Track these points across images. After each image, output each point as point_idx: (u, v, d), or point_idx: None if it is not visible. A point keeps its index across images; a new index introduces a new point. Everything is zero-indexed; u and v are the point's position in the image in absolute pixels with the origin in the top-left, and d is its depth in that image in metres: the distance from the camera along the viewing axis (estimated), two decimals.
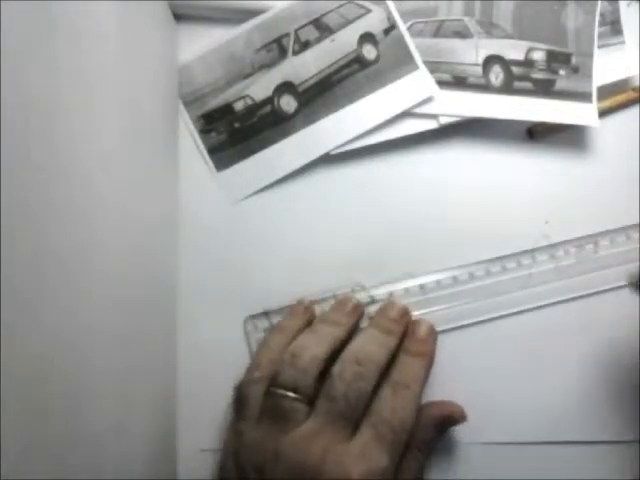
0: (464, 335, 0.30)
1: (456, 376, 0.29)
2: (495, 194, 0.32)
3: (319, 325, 0.28)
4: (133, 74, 0.27)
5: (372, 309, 0.30)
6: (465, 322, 0.30)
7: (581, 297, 0.30)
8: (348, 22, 0.33)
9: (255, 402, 0.26)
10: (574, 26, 0.32)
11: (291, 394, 0.25)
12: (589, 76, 0.31)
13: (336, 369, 0.25)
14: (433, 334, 0.28)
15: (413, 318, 0.29)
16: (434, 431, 0.26)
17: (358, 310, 0.29)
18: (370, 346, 0.26)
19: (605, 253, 0.30)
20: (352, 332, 0.29)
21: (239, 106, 0.33)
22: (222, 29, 0.33)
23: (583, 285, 0.30)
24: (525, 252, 0.31)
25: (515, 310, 0.30)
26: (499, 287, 0.30)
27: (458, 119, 0.32)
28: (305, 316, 0.30)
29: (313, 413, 0.25)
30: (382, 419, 0.24)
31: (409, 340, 0.28)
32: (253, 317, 0.31)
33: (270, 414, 0.25)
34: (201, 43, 0.33)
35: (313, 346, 0.26)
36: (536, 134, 0.32)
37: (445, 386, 0.29)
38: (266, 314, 0.31)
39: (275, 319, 0.30)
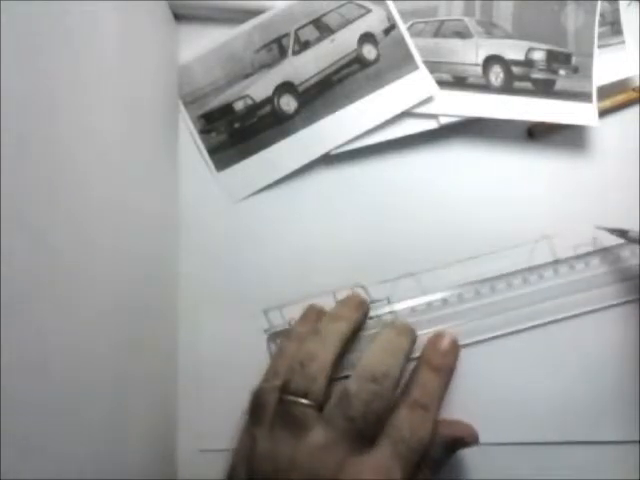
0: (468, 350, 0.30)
1: (456, 376, 0.29)
2: (495, 194, 0.32)
3: (324, 323, 0.28)
4: (133, 74, 0.27)
5: (372, 310, 0.30)
6: (468, 340, 0.30)
7: (589, 312, 0.30)
8: (348, 22, 0.33)
9: (271, 409, 0.26)
10: (574, 26, 0.32)
11: (302, 400, 0.25)
12: (589, 76, 0.31)
13: (352, 387, 0.25)
14: (456, 347, 0.28)
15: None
16: (444, 451, 0.26)
17: (364, 306, 0.30)
18: (384, 357, 0.26)
19: (610, 268, 0.30)
20: (358, 328, 0.29)
21: (239, 106, 0.33)
22: (222, 29, 0.33)
23: (585, 302, 0.30)
24: (531, 268, 0.30)
25: (515, 329, 0.30)
26: (502, 305, 0.30)
27: (458, 119, 0.32)
28: (318, 322, 0.29)
29: (328, 424, 0.25)
30: (401, 437, 0.24)
31: (431, 351, 0.28)
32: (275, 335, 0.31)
33: (282, 421, 0.25)
34: (201, 43, 0.33)
35: (321, 351, 0.26)
36: (536, 134, 0.32)
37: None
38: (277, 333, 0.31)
39: (276, 316, 0.31)
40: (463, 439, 0.26)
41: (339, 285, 0.31)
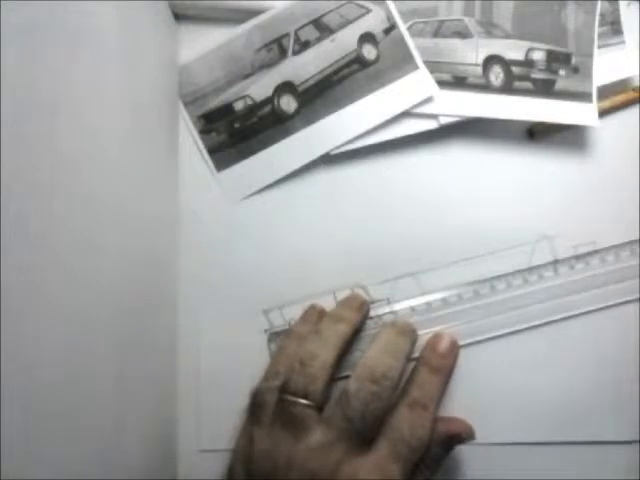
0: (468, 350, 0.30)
1: (455, 377, 0.29)
2: (495, 194, 0.32)
3: (325, 324, 0.28)
4: (133, 74, 0.27)
5: (372, 310, 0.30)
6: (468, 340, 0.30)
7: (588, 312, 0.30)
8: (348, 22, 0.33)
9: (270, 409, 0.26)
10: (574, 26, 0.32)
11: (302, 400, 0.25)
12: (589, 76, 0.31)
13: (352, 387, 0.25)
14: (455, 349, 0.28)
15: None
16: (441, 448, 0.26)
17: (365, 307, 0.30)
18: (384, 357, 0.26)
19: (610, 268, 0.30)
20: (358, 328, 0.29)
21: (239, 106, 0.33)
22: (222, 29, 0.33)
23: (585, 302, 0.30)
24: (531, 268, 0.30)
25: (515, 329, 0.30)
26: (502, 305, 0.30)
27: (458, 119, 0.32)
28: (318, 322, 0.29)
29: (327, 424, 0.25)
30: (400, 437, 0.24)
31: (430, 353, 0.28)
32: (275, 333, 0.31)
33: (282, 420, 0.25)
34: (201, 43, 0.33)
35: (321, 352, 0.26)
36: (536, 134, 0.32)
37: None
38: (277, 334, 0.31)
39: (277, 315, 0.31)
40: (459, 435, 0.26)
41: (339, 285, 0.31)
